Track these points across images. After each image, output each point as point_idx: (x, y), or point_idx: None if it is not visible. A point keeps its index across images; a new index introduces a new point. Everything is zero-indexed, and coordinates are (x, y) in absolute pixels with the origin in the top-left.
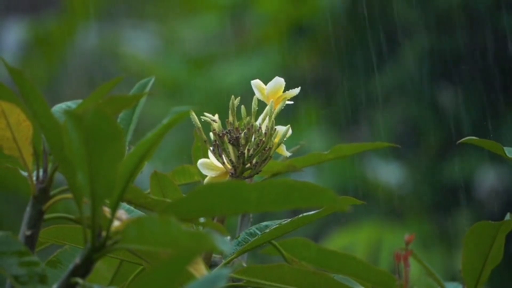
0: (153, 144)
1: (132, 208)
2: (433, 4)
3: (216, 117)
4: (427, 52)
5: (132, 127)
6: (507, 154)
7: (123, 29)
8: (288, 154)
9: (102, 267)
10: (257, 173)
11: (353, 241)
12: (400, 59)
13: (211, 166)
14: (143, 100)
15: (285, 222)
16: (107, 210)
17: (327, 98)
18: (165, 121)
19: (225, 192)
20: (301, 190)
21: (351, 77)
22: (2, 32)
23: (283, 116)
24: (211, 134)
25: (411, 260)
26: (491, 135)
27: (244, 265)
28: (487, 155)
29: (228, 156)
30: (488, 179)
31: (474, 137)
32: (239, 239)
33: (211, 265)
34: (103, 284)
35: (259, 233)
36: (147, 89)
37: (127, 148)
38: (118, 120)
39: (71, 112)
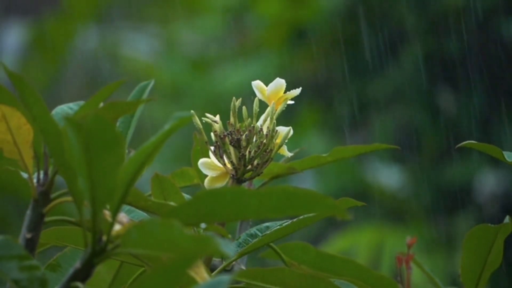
0: (154, 149)
1: (132, 208)
2: (433, 7)
3: (217, 118)
4: (427, 56)
5: (131, 130)
6: (506, 158)
7: (123, 31)
8: (289, 154)
9: (102, 269)
10: (258, 175)
11: (354, 244)
12: (400, 63)
13: (211, 165)
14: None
15: (286, 223)
16: (107, 214)
17: (327, 101)
18: (167, 126)
19: (226, 199)
20: (301, 197)
21: (351, 80)
22: (2, 33)
23: (284, 119)
24: (212, 135)
25: (411, 264)
26: (491, 139)
27: (243, 268)
28: (487, 159)
29: (229, 157)
30: (488, 182)
31: (473, 141)
32: (240, 240)
33: (210, 268)
34: (103, 286)
35: (260, 234)
36: (147, 92)
37: (126, 151)
38: (117, 123)
39: (70, 119)
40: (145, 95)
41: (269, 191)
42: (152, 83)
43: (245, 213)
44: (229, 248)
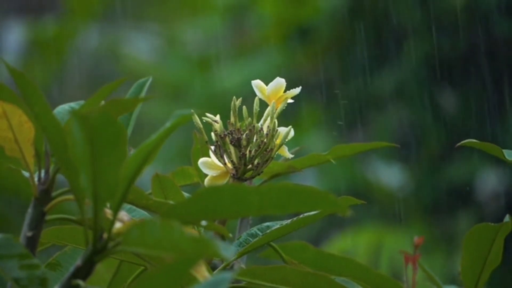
0: (155, 146)
1: (133, 207)
2: (434, 6)
3: (218, 117)
4: (428, 55)
5: (130, 128)
6: (506, 157)
7: (124, 31)
8: (290, 155)
9: (101, 268)
10: (259, 174)
11: (354, 244)
12: (401, 61)
13: (212, 165)
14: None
15: (287, 222)
16: (108, 212)
17: (328, 100)
18: (167, 124)
19: (227, 196)
20: (302, 194)
21: (352, 79)
22: (4, 33)
23: (284, 118)
24: (212, 134)
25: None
26: (492, 138)
27: (243, 267)
28: (488, 158)
29: (229, 157)
30: (489, 181)
31: (473, 140)
32: (240, 240)
33: (211, 267)
34: (102, 285)
35: (261, 234)
36: (145, 89)
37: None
38: None
39: (77, 112)
40: (143, 92)
41: (269, 187)
42: (150, 80)
43: (246, 210)
44: (229, 251)
